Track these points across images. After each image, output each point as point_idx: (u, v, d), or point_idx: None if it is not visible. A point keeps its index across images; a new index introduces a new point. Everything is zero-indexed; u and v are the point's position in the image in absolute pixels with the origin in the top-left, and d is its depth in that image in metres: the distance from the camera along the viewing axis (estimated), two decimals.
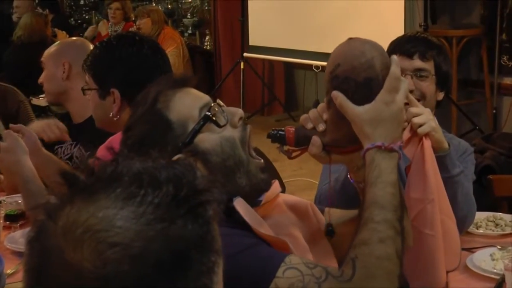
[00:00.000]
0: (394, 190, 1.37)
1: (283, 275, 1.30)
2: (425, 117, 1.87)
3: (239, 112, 1.46)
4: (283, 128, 1.52)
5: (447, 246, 1.71)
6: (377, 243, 1.31)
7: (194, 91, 1.49)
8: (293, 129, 1.51)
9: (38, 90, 3.59)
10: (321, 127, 1.48)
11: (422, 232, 1.67)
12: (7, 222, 2.41)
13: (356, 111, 1.40)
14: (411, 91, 2.22)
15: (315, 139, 1.47)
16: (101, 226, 0.78)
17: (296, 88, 7.41)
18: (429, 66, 2.26)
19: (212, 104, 1.45)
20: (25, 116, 3.27)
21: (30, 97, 3.63)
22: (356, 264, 1.30)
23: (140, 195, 0.79)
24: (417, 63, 2.25)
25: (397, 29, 5.04)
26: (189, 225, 0.80)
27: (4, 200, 2.51)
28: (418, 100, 2.19)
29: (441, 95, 2.33)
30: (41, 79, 2.83)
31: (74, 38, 3.33)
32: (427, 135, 1.82)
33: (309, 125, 1.50)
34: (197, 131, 1.42)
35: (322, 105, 1.50)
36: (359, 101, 1.41)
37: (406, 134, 1.84)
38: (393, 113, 1.40)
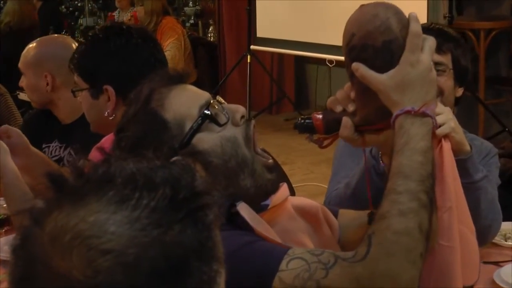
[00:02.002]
0: (423, 158, 1.35)
1: (287, 267, 1.28)
2: (445, 117, 1.87)
3: (241, 109, 1.46)
4: (310, 116, 1.52)
5: (464, 259, 1.70)
6: (396, 216, 1.29)
7: (192, 88, 1.49)
8: (321, 115, 1.51)
9: None
10: (351, 107, 1.48)
11: (438, 243, 1.66)
12: None
13: (380, 79, 1.40)
14: None
15: (346, 120, 1.48)
16: (92, 231, 0.78)
17: (307, 85, 7.41)
18: (446, 59, 2.26)
19: (212, 102, 1.45)
20: (6, 111, 3.28)
21: (18, 92, 3.63)
22: (372, 241, 1.28)
23: (135, 198, 0.79)
24: (434, 56, 2.25)
25: (420, 20, 5.03)
26: (188, 230, 0.80)
27: None
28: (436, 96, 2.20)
29: (460, 91, 2.33)
30: (21, 84, 2.83)
31: (54, 37, 3.27)
32: (446, 136, 1.82)
33: (338, 108, 1.50)
34: (195, 131, 1.42)
35: (349, 84, 1.50)
36: (382, 68, 1.40)
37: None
38: (421, 73, 1.40)
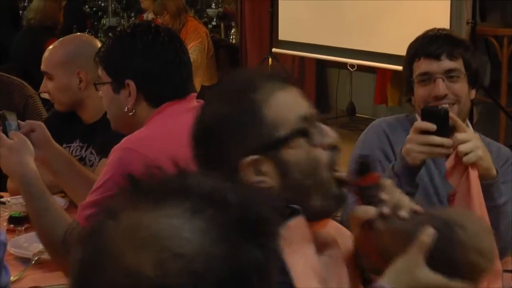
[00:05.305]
0: None
1: None
2: (472, 145, 1.87)
3: (334, 135, 1.43)
4: None
5: (488, 281, 1.70)
6: None
7: (297, 94, 1.45)
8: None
9: None
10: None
11: None
12: (11, 225, 2.44)
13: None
14: (444, 96, 2.23)
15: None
16: (168, 233, 0.81)
17: (328, 88, 7.40)
18: (458, 65, 2.27)
19: (312, 116, 1.43)
20: (34, 112, 3.25)
21: (40, 91, 3.65)
22: None
23: (208, 212, 0.83)
24: (446, 63, 2.26)
25: (442, 27, 5.02)
26: (255, 251, 0.83)
27: (8, 201, 2.54)
28: (453, 104, 2.21)
29: (473, 94, 2.34)
30: (44, 89, 2.82)
31: (77, 35, 3.27)
32: (473, 164, 1.82)
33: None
34: (288, 140, 1.39)
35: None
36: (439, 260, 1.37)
37: (451, 161, 1.84)
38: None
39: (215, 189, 0.85)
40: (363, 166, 1.46)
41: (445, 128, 1.95)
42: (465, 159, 1.84)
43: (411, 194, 2.05)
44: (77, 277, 0.84)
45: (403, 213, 1.40)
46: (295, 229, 1.35)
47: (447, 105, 2.24)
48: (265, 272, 0.84)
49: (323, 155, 1.41)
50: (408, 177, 2.03)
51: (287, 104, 1.41)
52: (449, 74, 2.26)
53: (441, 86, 2.23)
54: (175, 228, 0.81)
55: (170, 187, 0.85)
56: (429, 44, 2.29)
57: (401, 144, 2.26)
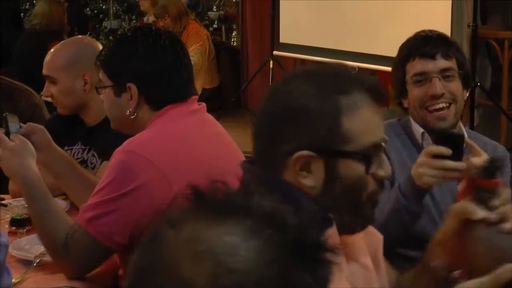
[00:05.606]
0: None
1: None
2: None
3: (389, 172, 1.44)
4: None
5: None
6: None
7: (381, 118, 1.44)
8: None
9: None
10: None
11: None
12: (13, 227, 2.44)
13: None
14: (441, 95, 2.24)
15: None
16: (225, 249, 0.83)
17: None
18: (453, 64, 2.30)
19: (381, 147, 1.43)
20: (40, 122, 3.24)
21: (41, 94, 3.66)
22: None
23: (267, 233, 0.85)
24: (441, 63, 2.28)
25: (443, 30, 5.02)
26: (307, 277, 0.84)
27: (10, 203, 2.55)
28: (450, 104, 2.22)
29: (465, 95, 2.36)
30: (47, 93, 2.80)
31: (78, 38, 3.26)
32: None
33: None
34: (350, 157, 1.39)
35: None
36: None
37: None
38: None
39: (275, 210, 0.87)
40: (492, 170, 1.48)
41: (459, 152, 1.95)
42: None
43: (417, 215, 2.06)
44: (131, 280, 0.87)
45: (507, 226, 1.38)
46: (331, 239, 1.35)
47: (445, 104, 2.26)
48: None
49: (371, 185, 1.42)
50: (416, 198, 2.04)
51: (367, 125, 1.40)
52: (444, 74, 2.28)
53: (438, 85, 2.25)
54: (233, 245, 0.83)
55: (233, 204, 0.87)
56: (422, 44, 2.31)
57: (394, 149, 2.27)
